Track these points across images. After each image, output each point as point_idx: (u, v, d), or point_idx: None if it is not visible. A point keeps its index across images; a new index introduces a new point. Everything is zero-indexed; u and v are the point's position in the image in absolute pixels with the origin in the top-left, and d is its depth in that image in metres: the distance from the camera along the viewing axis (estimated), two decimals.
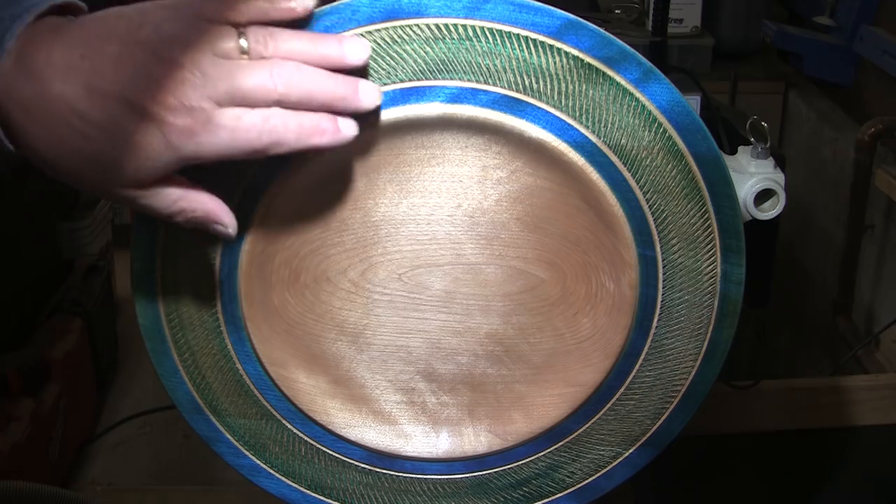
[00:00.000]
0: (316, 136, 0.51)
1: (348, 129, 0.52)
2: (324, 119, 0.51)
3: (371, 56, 0.56)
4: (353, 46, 0.52)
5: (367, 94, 0.53)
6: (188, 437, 1.67)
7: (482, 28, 0.56)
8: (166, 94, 0.48)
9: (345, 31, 0.56)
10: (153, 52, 0.48)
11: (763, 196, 0.76)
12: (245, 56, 0.50)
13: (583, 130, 0.58)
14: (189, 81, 0.48)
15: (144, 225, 0.59)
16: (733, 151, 0.81)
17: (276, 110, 0.50)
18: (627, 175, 0.59)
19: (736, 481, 1.34)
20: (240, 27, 0.50)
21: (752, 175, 0.76)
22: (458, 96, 0.57)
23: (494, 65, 0.57)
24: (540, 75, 0.57)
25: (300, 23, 0.54)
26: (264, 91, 0.49)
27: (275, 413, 0.64)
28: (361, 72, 0.54)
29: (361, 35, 0.56)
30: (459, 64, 0.57)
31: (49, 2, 0.50)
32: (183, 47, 0.48)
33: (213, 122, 0.48)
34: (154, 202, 0.51)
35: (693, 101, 1.09)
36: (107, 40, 0.49)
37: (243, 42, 0.50)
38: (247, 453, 0.65)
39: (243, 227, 0.59)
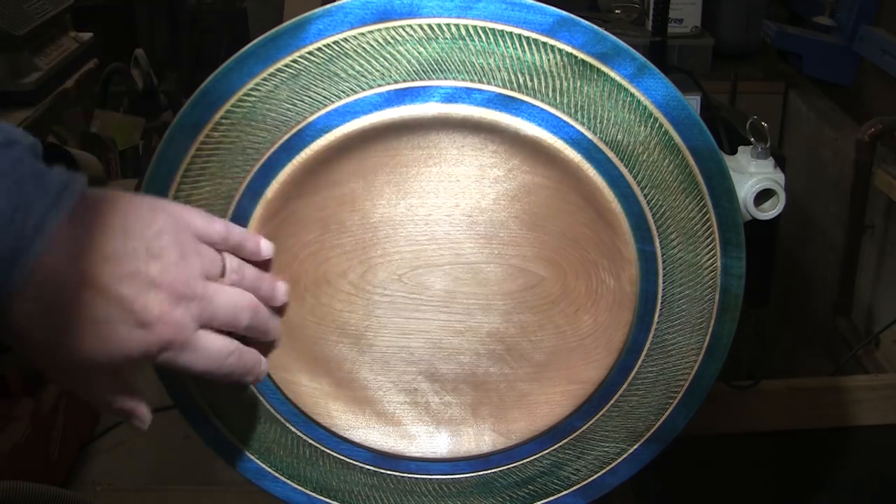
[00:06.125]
0: (250, 375, 0.56)
1: (265, 371, 0.59)
2: (259, 363, 0.57)
3: (365, 58, 0.56)
4: (280, 288, 0.59)
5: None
6: (188, 438, 1.66)
7: (475, 27, 0.56)
8: (163, 307, 0.50)
9: (337, 33, 0.56)
10: (160, 266, 0.50)
11: (763, 196, 0.75)
12: (222, 279, 0.54)
13: (578, 127, 0.58)
14: (185, 301, 0.51)
15: None
16: (733, 151, 0.80)
17: (238, 348, 0.55)
18: (624, 171, 0.59)
19: (736, 481, 1.34)
20: (219, 251, 0.55)
21: (752, 175, 0.76)
22: (452, 96, 0.57)
23: (488, 63, 0.57)
24: (534, 73, 0.57)
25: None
26: (235, 321, 0.54)
27: (278, 416, 0.64)
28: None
29: (355, 37, 0.56)
30: (453, 63, 0.57)
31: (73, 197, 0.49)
32: (184, 269, 0.51)
33: (191, 341, 0.52)
34: (92, 395, 0.53)
35: (693, 102, 1.09)
36: (121, 238, 0.49)
37: (223, 266, 0.54)
38: (252, 457, 0.65)
39: None
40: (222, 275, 0.54)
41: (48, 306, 0.47)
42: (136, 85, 2.34)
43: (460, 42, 0.56)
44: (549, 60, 0.56)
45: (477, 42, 0.56)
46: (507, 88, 0.57)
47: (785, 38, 1.98)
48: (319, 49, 0.56)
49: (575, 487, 0.66)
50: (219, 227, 0.55)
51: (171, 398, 0.64)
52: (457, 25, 0.56)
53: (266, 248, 0.58)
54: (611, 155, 0.58)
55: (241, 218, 0.59)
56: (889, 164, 1.59)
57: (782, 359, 1.94)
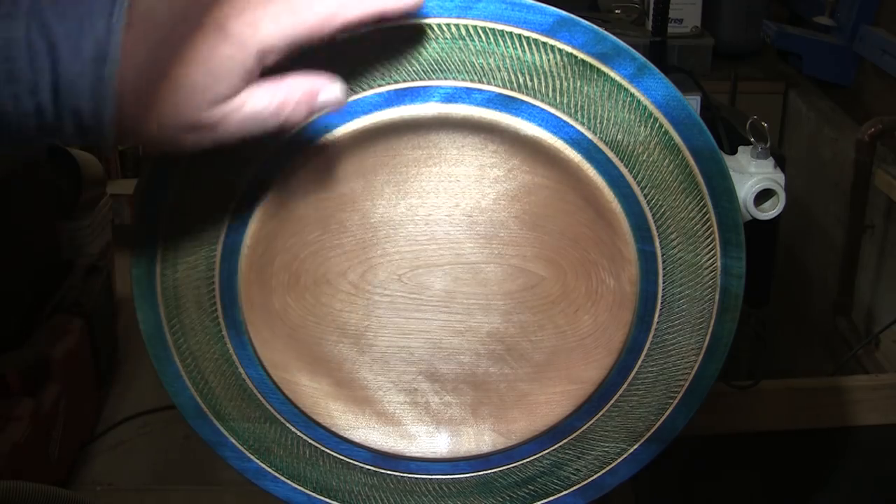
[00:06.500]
0: None
1: None
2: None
3: (364, 58, 0.56)
4: None
5: None
6: (188, 438, 1.67)
7: (475, 27, 0.56)
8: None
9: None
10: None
11: (763, 196, 0.75)
12: None
13: (578, 127, 0.58)
14: None
15: (144, 230, 0.60)
16: (733, 151, 0.80)
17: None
18: (624, 171, 0.59)
19: (736, 481, 1.34)
20: None
21: (752, 175, 0.76)
22: (452, 96, 0.57)
23: (488, 63, 0.57)
24: (534, 73, 0.57)
25: None
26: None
27: (278, 416, 0.64)
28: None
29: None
30: (453, 63, 0.57)
31: None
32: None
33: (272, 2, 0.46)
34: (251, 119, 0.49)
35: (693, 101, 1.09)
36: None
37: None
38: (251, 457, 0.65)
39: (241, 231, 0.59)
40: None
41: (152, 60, 0.45)
42: None
43: (460, 42, 0.56)
44: (549, 60, 0.56)
45: (477, 42, 0.56)
46: (507, 88, 0.57)
47: (785, 38, 1.98)
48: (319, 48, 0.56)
49: (575, 487, 0.66)
50: None
51: (171, 398, 0.64)
52: (457, 25, 0.56)
53: None
54: (611, 155, 0.58)
55: (239, 219, 0.59)
56: (889, 164, 1.59)
57: (782, 359, 1.94)
